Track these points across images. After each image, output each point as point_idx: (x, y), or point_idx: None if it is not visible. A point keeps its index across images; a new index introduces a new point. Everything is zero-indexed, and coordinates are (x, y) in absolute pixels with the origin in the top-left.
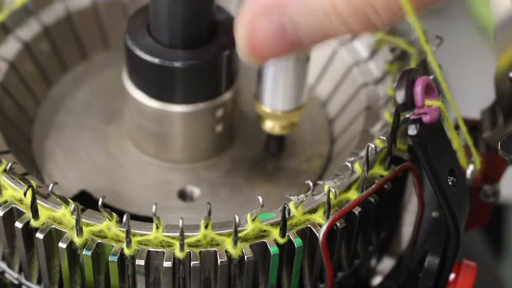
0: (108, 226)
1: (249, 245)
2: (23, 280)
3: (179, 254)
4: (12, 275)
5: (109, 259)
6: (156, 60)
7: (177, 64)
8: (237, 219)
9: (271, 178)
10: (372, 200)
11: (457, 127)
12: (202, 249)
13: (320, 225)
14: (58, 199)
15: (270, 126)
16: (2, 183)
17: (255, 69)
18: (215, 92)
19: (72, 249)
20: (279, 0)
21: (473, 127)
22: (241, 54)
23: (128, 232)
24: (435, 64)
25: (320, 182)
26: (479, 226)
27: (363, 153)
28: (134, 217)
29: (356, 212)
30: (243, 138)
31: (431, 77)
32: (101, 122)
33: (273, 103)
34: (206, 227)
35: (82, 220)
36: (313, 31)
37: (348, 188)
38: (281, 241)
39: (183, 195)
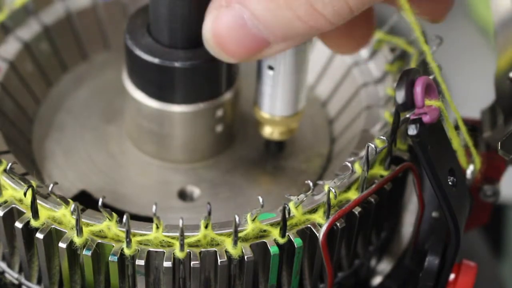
0: (108, 226)
1: (249, 245)
2: (23, 280)
3: (179, 254)
4: (12, 275)
5: (109, 259)
6: (156, 60)
7: (177, 64)
8: (237, 219)
9: (271, 178)
10: (372, 200)
11: (457, 127)
12: (202, 249)
13: (320, 225)
14: (58, 199)
15: (269, 131)
16: (2, 183)
17: (256, 70)
18: (215, 92)
19: (72, 249)
20: None
21: (473, 127)
22: (208, 48)
23: (128, 232)
24: (434, 64)
25: (320, 182)
26: (479, 226)
27: (363, 153)
28: (134, 217)
29: (356, 212)
30: (243, 138)
31: (431, 77)
32: (101, 122)
33: (272, 108)
34: (206, 227)
35: (82, 220)
36: (274, 25)
37: (348, 188)
38: (281, 241)
39: (183, 195)
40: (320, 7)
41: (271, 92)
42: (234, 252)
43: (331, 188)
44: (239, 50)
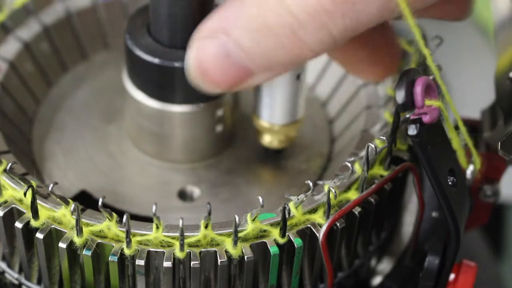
0: (108, 226)
1: (249, 245)
2: (23, 280)
3: (179, 254)
4: (12, 275)
5: (109, 259)
6: (156, 60)
7: (177, 64)
8: (237, 219)
9: (271, 178)
10: (372, 200)
11: (457, 127)
12: (202, 249)
13: (320, 225)
14: (58, 199)
15: (268, 140)
16: (2, 183)
17: None
18: None
19: (72, 249)
20: (222, 22)
21: (473, 127)
22: (191, 78)
23: (128, 232)
24: (434, 66)
25: (320, 182)
26: (479, 226)
27: (363, 153)
28: (134, 217)
29: (356, 212)
30: (243, 138)
31: (431, 77)
32: (101, 122)
33: (271, 117)
34: (206, 227)
35: (82, 220)
36: (258, 54)
37: (348, 188)
38: (281, 241)
39: (183, 195)
40: (303, 35)
41: (270, 100)
42: (234, 252)
43: (331, 188)
44: (222, 80)
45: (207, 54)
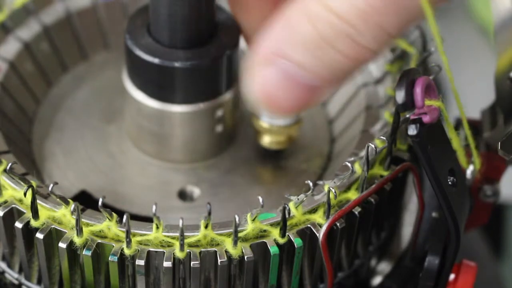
0: (108, 226)
1: (249, 245)
2: (23, 280)
3: (179, 254)
4: (12, 275)
5: (109, 259)
6: (156, 60)
7: (177, 64)
8: (237, 219)
9: (271, 178)
10: (372, 200)
11: (457, 127)
12: (202, 249)
13: (320, 225)
14: (58, 199)
15: (268, 141)
16: (2, 183)
17: None
18: (215, 92)
19: (72, 249)
20: (274, 45)
21: (473, 127)
22: (261, 109)
23: (128, 232)
24: (448, 67)
25: (320, 182)
26: (479, 226)
27: (363, 153)
28: (134, 217)
29: (356, 212)
30: (243, 138)
31: (431, 77)
32: (101, 122)
33: (270, 118)
34: (206, 227)
35: (82, 220)
36: (321, 69)
37: (348, 188)
38: (281, 241)
39: (183, 195)
40: (361, 40)
41: None
42: (234, 252)
43: (331, 188)
44: (293, 104)
45: (269, 82)
